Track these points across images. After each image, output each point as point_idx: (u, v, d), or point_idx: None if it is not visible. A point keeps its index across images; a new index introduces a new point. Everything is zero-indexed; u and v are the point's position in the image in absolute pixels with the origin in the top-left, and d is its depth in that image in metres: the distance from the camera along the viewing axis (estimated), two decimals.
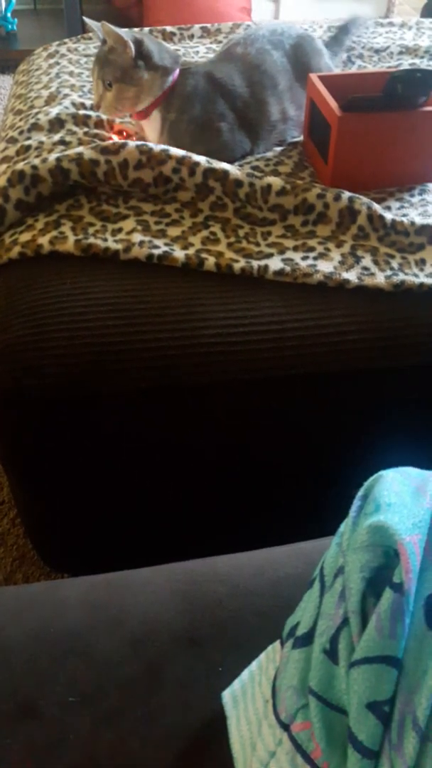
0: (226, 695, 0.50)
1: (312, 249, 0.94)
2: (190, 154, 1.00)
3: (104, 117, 1.15)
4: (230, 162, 1.08)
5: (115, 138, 1.10)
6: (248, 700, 0.48)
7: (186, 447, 0.90)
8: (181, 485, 0.95)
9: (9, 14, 2.78)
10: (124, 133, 1.15)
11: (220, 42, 1.57)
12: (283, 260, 0.92)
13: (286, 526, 0.93)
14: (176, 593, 0.60)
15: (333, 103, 1.01)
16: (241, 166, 1.09)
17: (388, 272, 0.91)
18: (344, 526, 0.45)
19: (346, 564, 0.41)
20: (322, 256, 0.93)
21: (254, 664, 0.51)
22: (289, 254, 0.93)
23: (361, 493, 0.45)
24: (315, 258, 0.92)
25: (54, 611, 0.59)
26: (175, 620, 0.57)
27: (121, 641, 0.56)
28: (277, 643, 0.51)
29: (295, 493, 0.98)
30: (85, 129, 1.13)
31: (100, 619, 0.58)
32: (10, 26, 2.79)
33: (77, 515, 0.98)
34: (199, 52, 1.50)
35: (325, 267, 0.91)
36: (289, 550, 0.65)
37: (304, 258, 0.92)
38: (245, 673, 0.51)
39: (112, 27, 1.04)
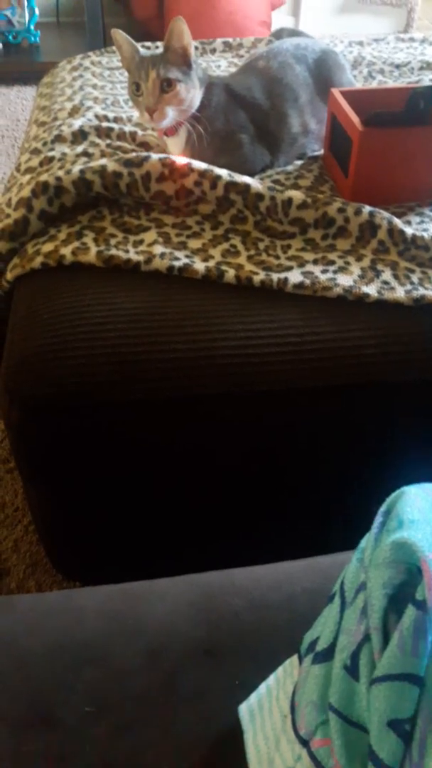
0: (243, 709, 0.50)
1: (332, 262, 0.94)
2: (212, 167, 1.01)
3: (149, 126, 1.10)
4: (251, 174, 1.08)
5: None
6: (265, 715, 0.48)
7: (201, 458, 0.90)
8: (195, 496, 0.95)
9: (32, 27, 2.82)
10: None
11: (241, 56, 1.59)
12: (303, 273, 0.92)
13: (301, 538, 0.93)
14: (193, 605, 0.60)
15: (355, 118, 1.02)
16: (261, 179, 1.10)
17: (408, 287, 0.91)
18: (366, 542, 0.45)
19: (368, 580, 0.41)
20: (342, 269, 0.93)
21: (271, 679, 0.51)
22: (309, 267, 0.93)
23: (383, 508, 0.45)
24: (335, 271, 0.93)
25: (71, 621, 0.59)
26: (192, 632, 0.57)
27: (138, 652, 0.56)
28: (295, 658, 0.50)
29: (311, 506, 0.97)
30: (108, 141, 1.14)
31: (117, 630, 0.58)
32: (33, 38, 2.84)
33: (91, 524, 0.98)
34: (221, 66, 1.52)
35: (344, 280, 0.91)
36: (307, 565, 0.65)
37: (324, 271, 0.93)
38: (262, 687, 0.51)
39: (183, 24, 1.00)
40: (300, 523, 0.99)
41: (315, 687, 0.43)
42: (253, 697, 0.50)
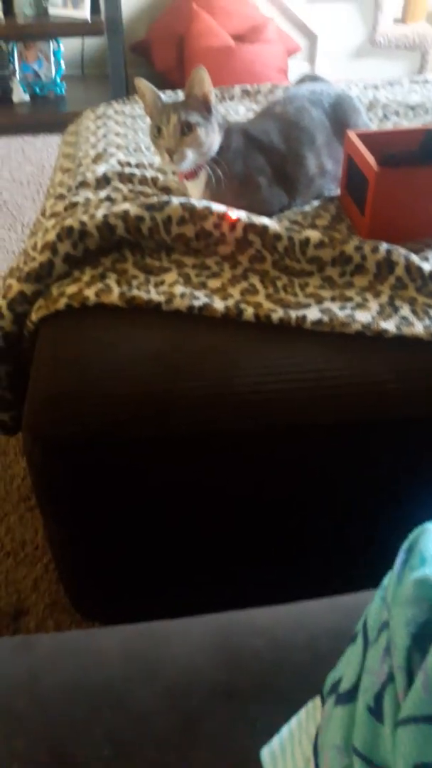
0: (265, 753, 0.49)
1: (350, 299, 0.95)
2: (231, 209, 1.04)
3: (169, 169, 1.13)
4: (269, 215, 1.11)
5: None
6: (288, 759, 0.47)
7: (221, 494, 0.90)
8: (214, 533, 0.94)
9: (59, 79, 2.95)
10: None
11: (259, 102, 1.64)
12: (321, 310, 0.93)
13: (321, 575, 0.91)
14: (213, 645, 0.59)
15: (370, 159, 1.04)
16: (279, 220, 1.12)
17: (427, 321, 0.91)
18: (388, 580, 0.44)
19: (391, 618, 0.41)
20: (359, 306, 0.94)
21: (293, 721, 0.50)
22: (327, 304, 0.94)
23: (405, 545, 0.44)
24: (353, 308, 0.93)
25: (90, 661, 0.59)
26: (212, 673, 0.57)
27: (158, 693, 0.55)
28: (317, 700, 0.49)
29: (330, 543, 0.96)
30: (130, 186, 1.18)
31: (136, 670, 0.57)
32: (59, 90, 2.96)
33: (111, 559, 0.98)
34: (239, 111, 1.57)
35: (363, 317, 0.92)
36: (328, 604, 0.64)
37: (342, 308, 0.93)
38: (284, 730, 0.50)
39: (204, 72, 1.05)
40: (320, 561, 0.97)
41: (338, 729, 0.42)
42: (275, 741, 0.49)
